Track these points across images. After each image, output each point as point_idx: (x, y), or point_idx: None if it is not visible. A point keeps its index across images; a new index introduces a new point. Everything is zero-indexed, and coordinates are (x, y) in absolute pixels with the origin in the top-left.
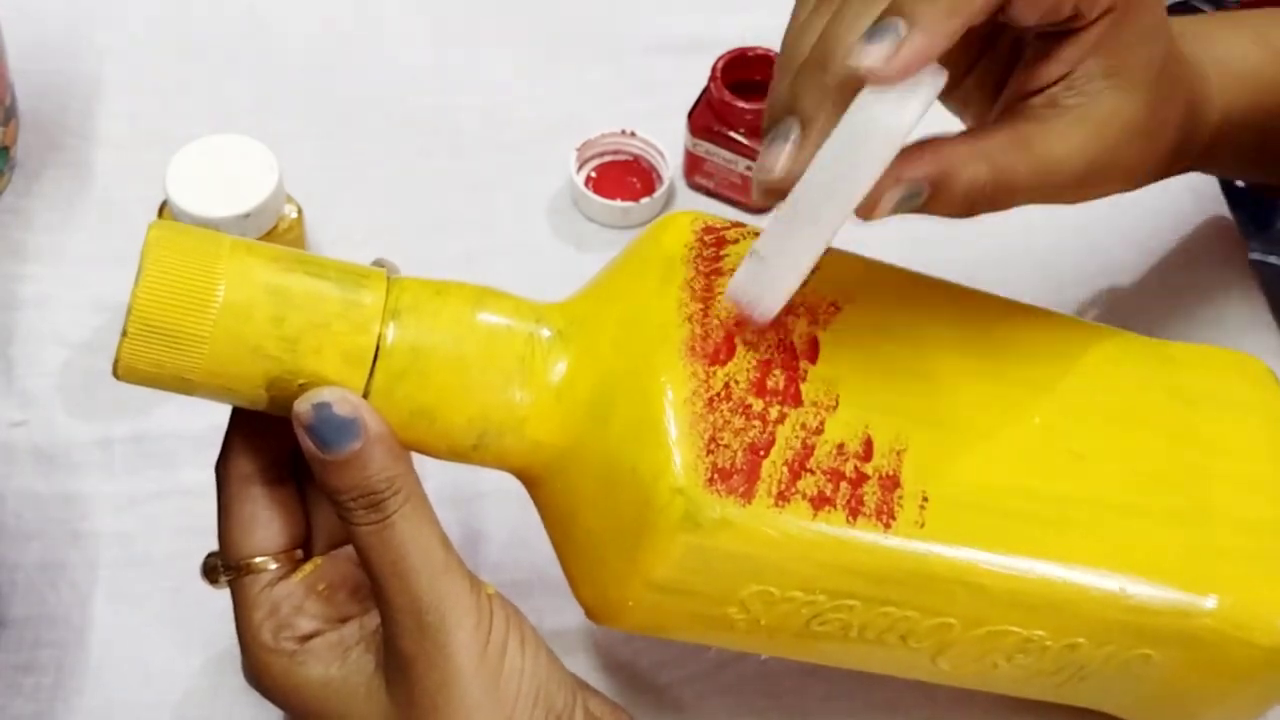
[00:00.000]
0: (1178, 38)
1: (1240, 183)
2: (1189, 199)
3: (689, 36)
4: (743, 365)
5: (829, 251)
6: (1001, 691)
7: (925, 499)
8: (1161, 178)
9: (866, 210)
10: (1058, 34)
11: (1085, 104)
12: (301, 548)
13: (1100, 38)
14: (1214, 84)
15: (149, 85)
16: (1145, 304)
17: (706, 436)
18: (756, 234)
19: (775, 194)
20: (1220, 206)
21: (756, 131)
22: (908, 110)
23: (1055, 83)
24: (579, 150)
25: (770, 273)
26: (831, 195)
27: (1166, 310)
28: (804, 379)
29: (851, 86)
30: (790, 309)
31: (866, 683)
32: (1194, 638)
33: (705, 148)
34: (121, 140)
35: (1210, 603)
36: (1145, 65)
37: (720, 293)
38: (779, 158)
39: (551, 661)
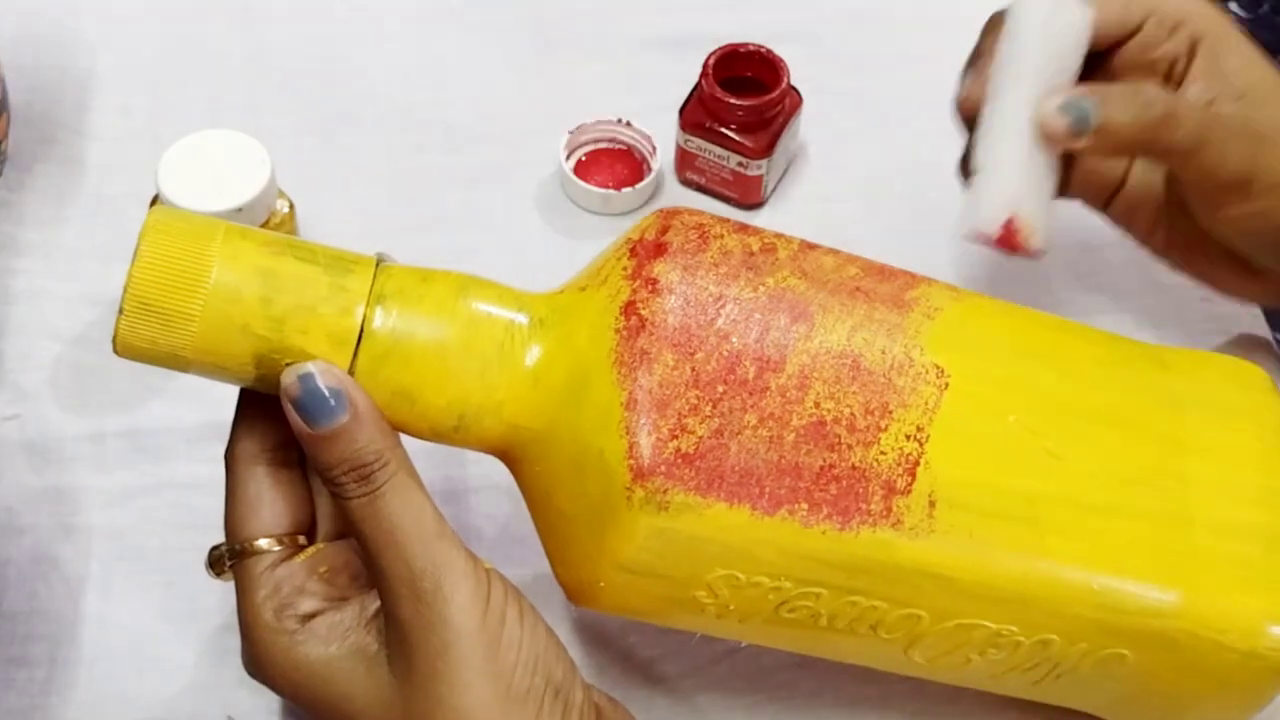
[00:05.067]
0: None
1: None
2: None
3: (681, 32)
4: (713, 354)
5: (810, 249)
6: (980, 687)
7: (892, 491)
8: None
9: (1045, 131)
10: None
11: (1229, 118)
12: (306, 536)
13: (1207, 66)
14: None
15: (141, 80)
16: (1137, 303)
17: (672, 422)
18: (742, 229)
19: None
20: None
21: (748, 128)
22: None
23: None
24: (572, 134)
25: (988, 187)
26: (1012, 88)
27: (1158, 309)
28: (774, 370)
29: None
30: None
31: (857, 677)
32: (1168, 639)
33: (696, 144)
34: (113, 135)
35: (1173, 598)
36: (1265, 80)
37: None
38: (962, 87)
39: (550, 636)
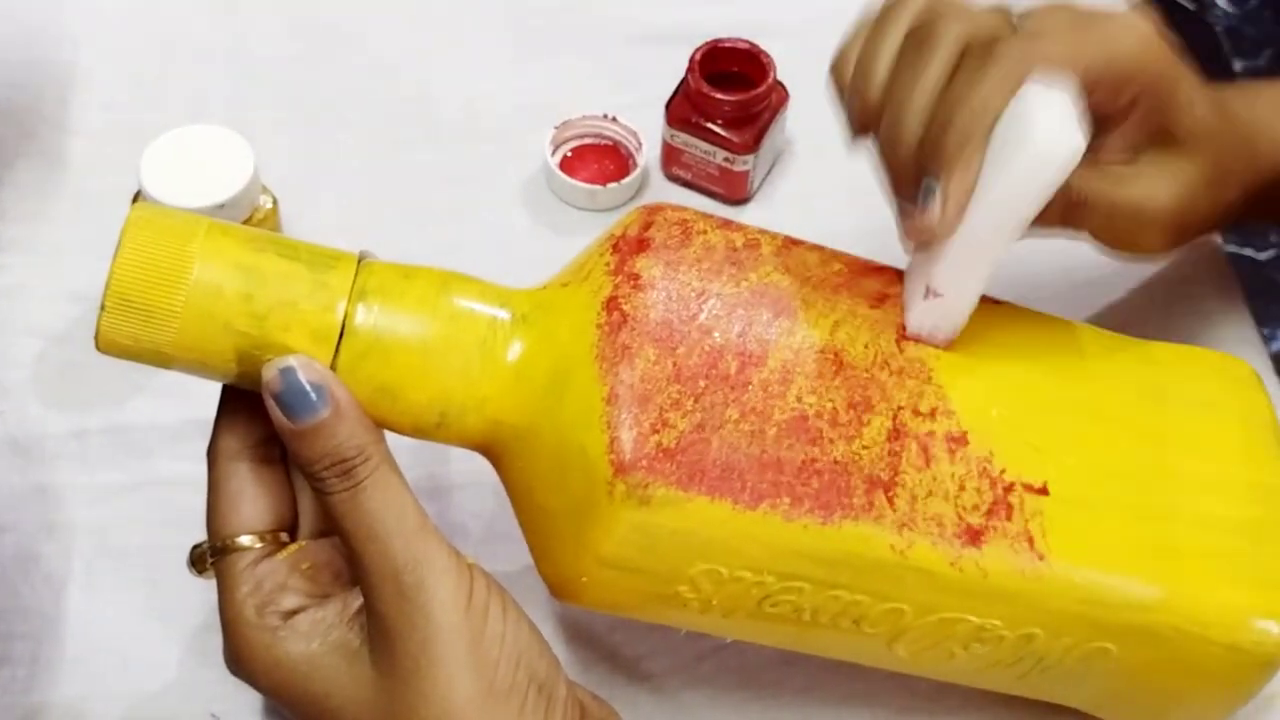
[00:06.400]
0: (1228, 99)
1: None
2: None
3: (668, 27)
4: (695, 349)
5: (794, 245)
6: (966, 682)
7: (874, 485)
8: (1230, 223)
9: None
10: (1105, 122)
11: (1155, 166)
12: (288, 534)
13: (1144, 116)
14: (1266, 133)
15: (124, 75)
16: (1122, 298)
17: (653, 416)
18: (725, 224)
19: (930, 242)
20: None
21: (733, 123)
22: (1076, 138)
23: (1121, 160)
24: (557, 130)
25: (948, 306)
26: (1001, 227)
27: (1143, 304)
28: (756, 365)
29: (980, 141)
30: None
31: (844, 674)
32: (1152, 633)
33: (683, 139)
34: (96, 130)
35: (1157, 592)
36: (1195, 129)
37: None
38: (935, 211)
39: (533, 632)
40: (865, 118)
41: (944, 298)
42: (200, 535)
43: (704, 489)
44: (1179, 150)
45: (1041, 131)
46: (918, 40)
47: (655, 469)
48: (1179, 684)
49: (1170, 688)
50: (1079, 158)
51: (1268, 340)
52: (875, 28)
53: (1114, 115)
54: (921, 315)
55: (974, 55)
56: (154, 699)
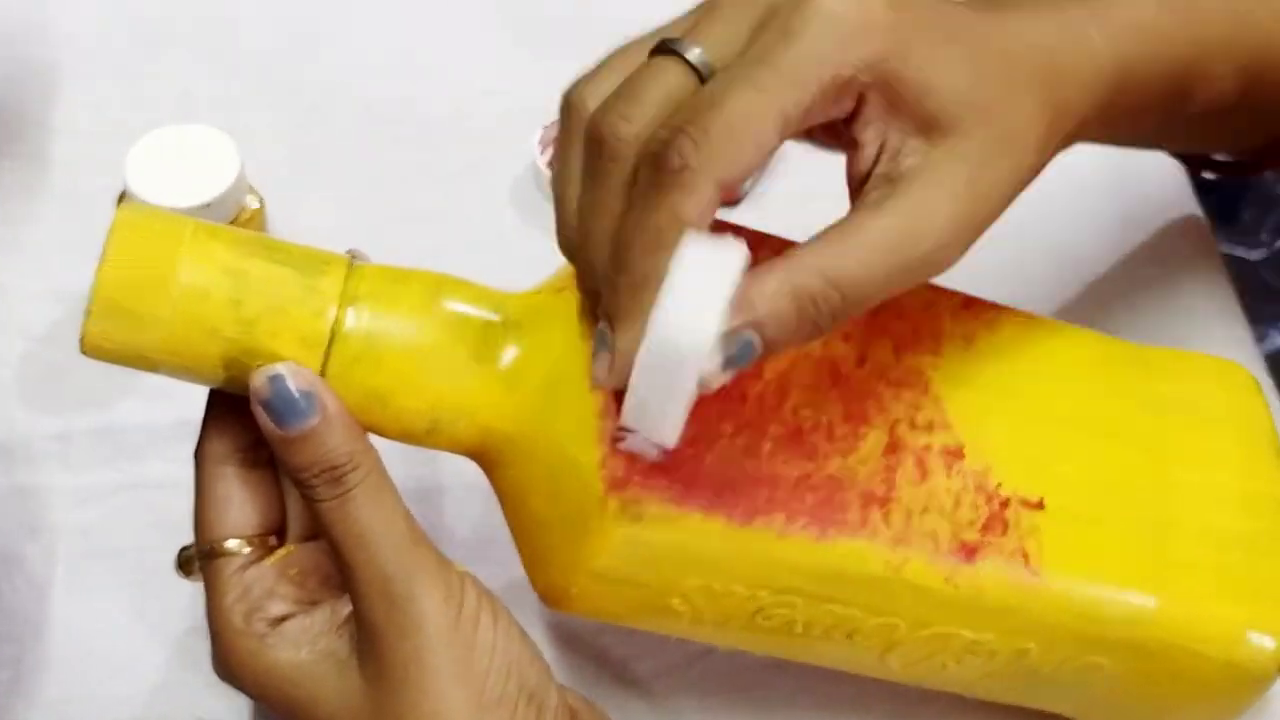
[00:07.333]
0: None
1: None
2: (1158, 192)
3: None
4: None
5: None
6: (957, 691)
7: (870, 500)
8: (1064, 147)
9: (708, 385)
10: (846, 122)
11: (919, 162)
12: (276, 537)
13: (885, 103)
14: (1096, 38)
15: (109, 74)
16: (1115, 298)
17: None
18: (720, 226)
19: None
20: (1189, 199)
21: None
22: (705, 329)
23: (875, 163)
24: (546, 129)
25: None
26: (664, 385)
27: (1136, 304)
28: (752, 377)
29: (652, 286)
30: None
31: (834, 678)
32: (1145, 648)
33: None
34: (81, 130)
35: (1152, 606)
36: (953, 98)
37: None
38: (604, 368)
39: (524, 641)
40: (569, 246)
41: (636, 433)
42: (188, 538)
43: (698, 505)
44: (944, 133)
45: (668, 315)
46: (590, 155)
47: (649, 485)
48: (1172, 696)
49: (1163, 700)
50: (706, 348)
51: (1261, 340)
52: (560, 142)
53: (850, 120)
54: (629, 443)
55: (648, 164)
56: (140, 702)
